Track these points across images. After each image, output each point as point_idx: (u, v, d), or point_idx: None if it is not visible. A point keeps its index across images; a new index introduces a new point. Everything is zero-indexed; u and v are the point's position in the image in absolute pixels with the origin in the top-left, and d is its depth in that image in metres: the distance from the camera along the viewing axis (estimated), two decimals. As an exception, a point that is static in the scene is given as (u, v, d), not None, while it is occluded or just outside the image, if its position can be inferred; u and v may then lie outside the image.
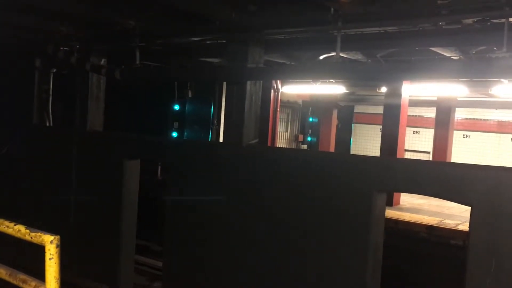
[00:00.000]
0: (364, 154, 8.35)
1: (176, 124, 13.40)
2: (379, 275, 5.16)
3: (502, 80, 9.28)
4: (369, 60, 8.33)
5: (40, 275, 3.39)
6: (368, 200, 4.96)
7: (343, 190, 5.18)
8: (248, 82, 6.19)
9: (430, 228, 8.71)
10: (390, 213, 9.32)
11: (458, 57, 7.29)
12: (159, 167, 12.13)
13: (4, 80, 10.77)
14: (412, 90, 11.04)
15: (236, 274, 6.02)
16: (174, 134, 13.38)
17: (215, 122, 13.23)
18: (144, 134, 8.30)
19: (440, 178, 4.63)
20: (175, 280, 6.72)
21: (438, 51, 7.19)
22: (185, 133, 13.45)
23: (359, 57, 8.33)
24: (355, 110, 19.60)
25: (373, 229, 4.97)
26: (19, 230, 3.20)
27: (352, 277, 5.09)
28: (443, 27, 5.25)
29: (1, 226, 3.31)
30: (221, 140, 12.10)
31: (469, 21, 4.82)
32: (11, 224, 3.26)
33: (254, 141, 6.38)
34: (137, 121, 12.73)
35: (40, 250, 3.16)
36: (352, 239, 5.09)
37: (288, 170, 5.67)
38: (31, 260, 3.75)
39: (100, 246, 7.55)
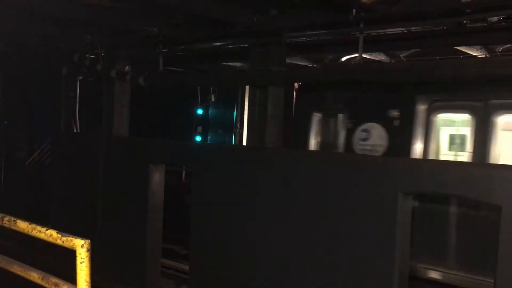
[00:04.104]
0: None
1: (199, 128, 13.52)
2: (406, 278, 5.10)
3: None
4: (392, 61, 8.24)
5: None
6: (393, 202, 4.90)
7: (367, 192, 5.13)
8: (270, 85, 6.21)
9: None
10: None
11: (484, 55, 7.16)
12: (184, 170, 12.24)
13: (32, 88, 11.07)
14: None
15: (262, 277, 6.03)
16: (198, 138, 13.49)
17: (238, 125, 13.28)
18: (168, 139, 8.42)
19: (468, 179, 4.55)
20: (201, 283, 6.76)
21: (463, 50, 7.07)
22: (209, 137, 13.55)
23: (382, 58, 8.25)
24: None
25: (399, 232, 4.91)
26: (51, 235, 3.28)
27: (379, 281, 5.03)
28: (468, 25, 5.18)
29: (34, 231, 3.40)
30: (244, 143, 12.18)
31: (495, 19, 4.74)
32: (43, 229, 3.35)
33: (277, 144, 6.39)
34: (161, 126, 12.89)
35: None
36: (378, 242, 5.03)
37: (312, 173, 5.66)
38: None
39: (126, 249, 7.67)
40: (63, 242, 3.22)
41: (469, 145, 7.27)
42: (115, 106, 8.04)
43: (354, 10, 5.07)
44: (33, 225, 3.44)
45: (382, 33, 6.12)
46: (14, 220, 3.59)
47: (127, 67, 7.99)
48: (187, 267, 7.44)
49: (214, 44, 7.16)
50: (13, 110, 11.56)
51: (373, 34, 6.03)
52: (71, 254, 3.21)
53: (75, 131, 9.05)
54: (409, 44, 6.88)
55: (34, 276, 3.60)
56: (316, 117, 8.83)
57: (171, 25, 6.51)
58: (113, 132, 8.05)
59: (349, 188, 5.29)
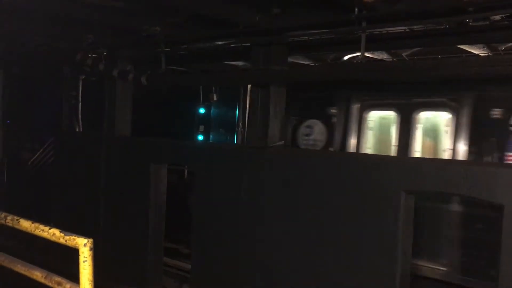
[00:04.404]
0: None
1: (201, 128, 13.53)
2: (408, 278, 5.09)
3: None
4: (395, 59, 8.23)
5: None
6: (396, 201, 4.90)
7: (369, 191, 5.13)
8: (272, 85, 6.21)
9: None
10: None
11: (486, 54, 7.15)
12: (186, 169, 12.25)
13: (35, 87, 11.08)
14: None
15: (263, 277, 6.03)
16: (200, 138, 13.50)
17: (240, 124, 13.27)
18: (170, 139, 8.42)
19: (470, 177, 4.55)
20: (203, 282, 6.77)
21: (466, 49, 7.06)
22: (211, 136, 13.55)
23: (385, 57, 8.25)
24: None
25: (402, 231, 4.90)
26: (54, 234, 3.29)
27: (381, 280, 5.03)
28: (470, 24, 5.16)
29: (37, 230, 3.41)
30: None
31: (498, 17, 4.73)
32: (46, 228, 3.36)
33: (279, 143, 6.39)
34: (163, 125, 12.90)
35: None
36: (380, 241, 5.03)
37: (314, 172, 5.66)
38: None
39: (128, 248, 7.68)
40: (66, 241, 3.23)
41: (395, 140, 8.05)
42: (117, 105, 8.05)
43: (356, 9, 5.07)
44: (36, 224, 3.45)
45: (385, 32, 6.10)
46: (17, 219, 3.60)
47: (129, 67, 8.00)
48: (189, 266, 7.45)
49: (216, 43, 7.16)
50: (16, 109, 11.58)
51: (375, 33, 6.02)
52: (71, 254, 3.22)
53: (77, 130, 9.06)
54: (412, 43, 6.87)
55: (37, 275, 3.60)
56: None
57: (173, 24, 6.52)
58: (115, 132, 8.06)
59: (351, 187, 5.29)
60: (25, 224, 3.52)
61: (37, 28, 6.88)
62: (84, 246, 3.13)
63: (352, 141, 8.42)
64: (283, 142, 6.46)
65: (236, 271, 6.31)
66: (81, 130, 9.08)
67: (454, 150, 7.40)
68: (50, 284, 3.50)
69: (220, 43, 7.11)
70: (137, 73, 7.64)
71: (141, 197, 7.43)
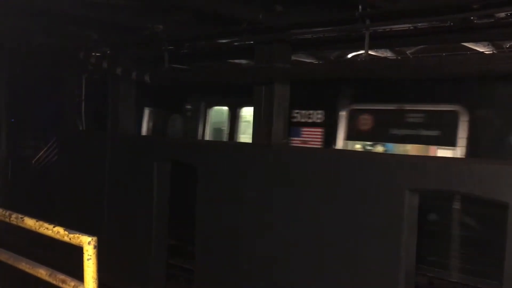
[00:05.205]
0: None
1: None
2: (413, 276, 5.07)
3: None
4: (399, 57, 8.21)
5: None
6: (400, 200, 4.88)
7: (373, 190, 5.11)
8: (276, 82, 6.20)
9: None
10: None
11: (491, 52, 7.11)
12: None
13: (39, 86, 11.08)
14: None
15: (268, 275, 6.02)
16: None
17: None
18: (173, 137, 8.43)
19: (474, 176, 4.53)
20: (207, 281, 6.76)
21: (470, 46, 7.03)
22: (215, 134, 13.61)
23: (388, 55, 8.22)
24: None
25: (405, 230, 4.88)
26: (58, 232, 3.29)
27: (385, 279, 5.01)
28: (475, 21, 5.14)
29: (41, 228, 3.41)
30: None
31: (502, 14, 4.70)
32: (50, 226, 3.36)
33: (283, 141, 6.38)
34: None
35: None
36: (384, 240, 5.01)
37: (317, 170, 5.65)
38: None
39: (132, 247, 7.69)
40: (70, 239, 3.23)
41: (227, 128, 10.48)
42: (120, 103, 8.05)
43: (359, 7, 5.05)
44: (41, 222, 3.45)
45: (388, 29, 6.07)
46: (21, 217, 3.60)
47: (132, 65, 7.99)
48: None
49: (219, 41, 7.15)
50: (20, 108, 11.61)
51: (379, 30, 5.99)
52: (75, 253, 3.21)
53: (81, 129, 9.08)
54: (416, 41, 6.85)
55: (42, 273, 3.61)
56: (147, 111, 11.62)
57: (176, 22, 6.52)
58: (119, 130, 8.07)
59: (355, 185, 5.27)
60: (30, 222, 3.53)
61: (40, 26, 6.89)
62: (88, 244, 3.13)
63: (200, 130, 10.79)
64: (286, 140, 6.45)
65: (240, 271, 6.30)
66: (84, 129, 9.09)
67: None
68: (54, 282, 3.51)
69: (223, 41, 7.10)
70: (140, 71, 7.64)
71: (145, 195, 7.43)
